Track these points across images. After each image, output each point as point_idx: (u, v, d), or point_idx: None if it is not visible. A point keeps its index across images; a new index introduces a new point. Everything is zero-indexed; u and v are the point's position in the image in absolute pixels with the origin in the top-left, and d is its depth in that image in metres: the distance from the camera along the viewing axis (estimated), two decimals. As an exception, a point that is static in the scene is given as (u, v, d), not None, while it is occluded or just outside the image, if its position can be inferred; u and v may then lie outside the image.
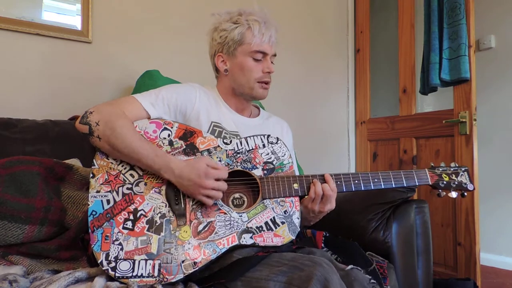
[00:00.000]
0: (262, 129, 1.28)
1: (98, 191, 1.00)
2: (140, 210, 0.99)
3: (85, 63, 1.77)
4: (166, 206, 1.01)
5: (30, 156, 1.21)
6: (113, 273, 0.93)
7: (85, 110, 1.08)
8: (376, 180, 1.17)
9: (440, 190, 1.22)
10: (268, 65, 1.24)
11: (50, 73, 1.70)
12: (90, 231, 0.96)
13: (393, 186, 1.19)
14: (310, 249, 1.10)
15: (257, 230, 1.04)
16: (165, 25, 2.00)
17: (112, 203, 0.99)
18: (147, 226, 0.98)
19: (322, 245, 1.33)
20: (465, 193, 1.22)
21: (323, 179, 1.13)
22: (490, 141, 2.70)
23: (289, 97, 2.43)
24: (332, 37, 2.70)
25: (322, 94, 2.62)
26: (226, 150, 1.11)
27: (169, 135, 1.09)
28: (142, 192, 1.02)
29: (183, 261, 0.96)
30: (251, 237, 1.02)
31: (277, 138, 1.16)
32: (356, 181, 1.15)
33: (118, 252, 0.94)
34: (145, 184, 1.03)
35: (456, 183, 1.22)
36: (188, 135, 1.10)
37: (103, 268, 0.93)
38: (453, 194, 1.22)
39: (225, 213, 1.04)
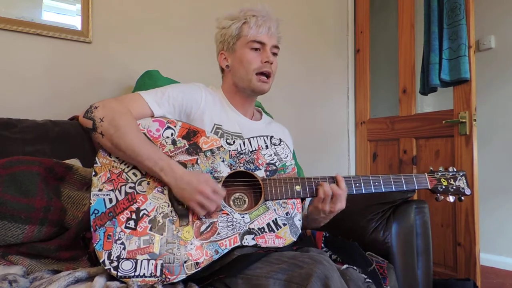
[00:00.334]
0: (265, 132, 1.28)
1: (100, 190, 0.99)
2: (142, 210, 0.99)
3: (85, 63, 1.77)
4: (168, 206, 1.01)
5: (30, 156, 1.20)
6: (115, 272, 0.92)
7: (90, 104, 1.07)
8: (377, 183, 1.18)
9: (438, 194, 1.24)
10: (267, 55, 1.22)
11: (50, 73, 1.69)
12: (92, 230, 0.96)
13: (393, 189, 1.19)
14: (308, 248, 1.10)
15: (259, 231, 1.04)
16: (165, 25, 2.00)
17: (114, 202, 0.99)
18: (149, 225, 0.98)
19: (322, 245, 1.33)
20: (462, 198, 1.24)
21: (333, 180, 1.13)
22: (490, 141, 2.70)
23: (289, 97, 2.43)
24: (332, 37, 2.70)
25: (322, 94, 2.62)
26: (229, 151, 1.11)
27: (172, 134, 1.09)
28: (144, 192, 1.01)
29: (185, 262, 0.96)
30: (253, 238, 1.02)
31: (280, 140, 1.16)
32: (357, 184, 1.15)
33: (121, 251, 0.94)
34: (148, 183, 1.03)
35: (454, 187, 1.24)
36: (191, 134, 1.10)
37: (105, 268, 0.93)
38: (451, 199, 1.23)
39: (227, 214, 1.03)
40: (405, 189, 1.21)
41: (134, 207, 0.99)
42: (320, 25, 2.64)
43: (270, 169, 1.12)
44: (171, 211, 1.00)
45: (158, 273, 0.93)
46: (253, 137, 1.14)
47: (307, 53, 2.56)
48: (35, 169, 1.11)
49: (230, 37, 1.23)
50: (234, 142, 1.12)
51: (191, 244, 0.98)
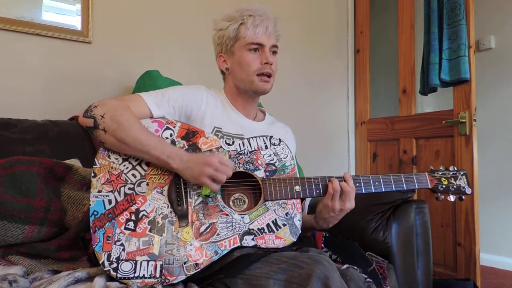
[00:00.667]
0: (266, 133, 1.27)
1: (99, 191, 0.99)
2: (142, 211, 0.99)
3: (85, 63, 1.77)
4: (168, 207, 1.01)
5: (30, 156, 1.20)
6: (114, 273, 0.92)
7: (89, 105, 1.07)
8: (377, 183, 1.17)
9: (438, 194, 1.23)
10: (266, 56, 1.21)
11: (50, 73, 1.69)
12: (91, 231, 0.96)
13: (394, 189, 1.19)
14: (308, 249, 1.10)
15: (258, 232, 1.04)
16: (165, 25, 2.00)
17: (113, 203, 0.99)
18: (149, 227, 0.98)
19: (322, 245, 1.33)
20: (463, 197, 1.23)
21: (341, 179, 1.13)
22: (490, 141, 2.70)
23: (289, 97, 2.43)
24: (332, 37, 2.70)
25: (322, 94, 2.62)
26: (229, 151, 1.11)
27: (171, 135, 1.09)
28: (144, 193, 1.01)
29: (185, 263, 0.95)
30: (252, 239, 1.02)
31: (280, 140, 1.16)
32: (357, 184, 1.15)
33: (120, 252, 0.94)
34: (147, 184, 1.03)
35: (454, 186, 1.23)
36: (190, 135, 1.10)
37: (105, 269, 0.93)
38: (451, 198, 1.23)
39: (227, 215, 1.03)
40: (405, 188, 1.20)
41: (133, 208, 0.99)
42: (320, 25, 2.64)
43: (269, 169, 1.12)
44: (171, 212, 1.00)
45: (157, 274, 0.93)
46: (252, 138, 1.14)
47: (307, 53, 2.56)
48: (35, 169, 1.11)
49: (228, 39, 1.23)
50: (233, 142, 1.12)
51: (191, 245, 0.98)
